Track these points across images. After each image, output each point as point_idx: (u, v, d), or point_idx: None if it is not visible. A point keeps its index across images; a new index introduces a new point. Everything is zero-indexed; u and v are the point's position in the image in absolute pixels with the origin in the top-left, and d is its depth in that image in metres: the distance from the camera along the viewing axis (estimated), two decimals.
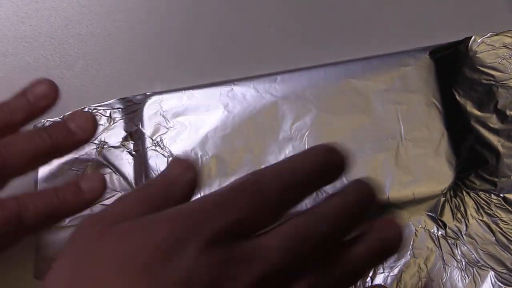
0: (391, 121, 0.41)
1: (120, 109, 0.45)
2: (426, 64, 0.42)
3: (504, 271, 0.37)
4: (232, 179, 0.41)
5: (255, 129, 0.42)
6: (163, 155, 0.43)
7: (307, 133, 0.41)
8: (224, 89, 0.43)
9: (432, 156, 0.40)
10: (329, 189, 0.40)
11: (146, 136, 0.43)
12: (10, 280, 0.43)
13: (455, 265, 0.38)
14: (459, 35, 0.42)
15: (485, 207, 0.39)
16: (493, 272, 0.38)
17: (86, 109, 0.46)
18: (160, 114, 0.44)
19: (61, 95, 0.47)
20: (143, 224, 0.25)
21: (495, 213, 0.38)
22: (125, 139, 0.45)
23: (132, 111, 0.45)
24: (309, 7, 0.47)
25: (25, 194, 0.35)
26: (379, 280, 0.38)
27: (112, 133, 0.45)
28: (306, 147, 0.41)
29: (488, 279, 0.37)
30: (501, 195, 0.39)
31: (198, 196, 0.41)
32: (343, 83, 0.42)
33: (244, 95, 0.43)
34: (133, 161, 0.44)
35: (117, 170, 0.44)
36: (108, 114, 0.45)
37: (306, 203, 0.39)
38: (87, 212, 0.43)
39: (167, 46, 0.48)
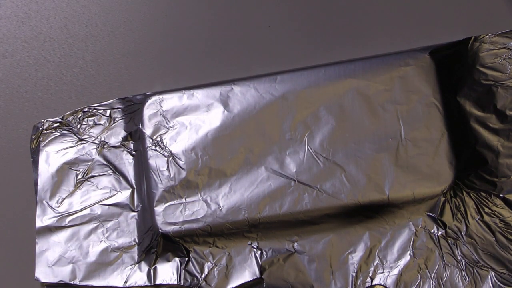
0: (391, 121, 0.41)
1: (120, 109, 0.45)
2: (426, 64, 0.42)
3: (504, 271, 0.37)
4: (232, 179, 0.41)
5: (255, 129, 0.42)
6: (163, 155, 0.43)
7: (307, 133, 0.41)
8: (224, 89, 0.44)
9: (432, 156, 0.40)
10: (329, 189, 0.40)
11: (146, 136, 0.43)
12: (10, 280, 0.43)
13: (455, 265, 0.38)
14: (459, 35, 0.42)
15: (485, 207, 0.39)
16: (493, 272, 0.38)
17: (86, 109, 0.46)
18: (160, 114, 0.44)
19: (61, 95, 0.48)
20: None
21: (495, 213, 0.38)
22: (125, 139, 0.45)
23: (132, 111, 0.45)
24: (309, 7, 0.47)
25: None
26: (379, 280, 0.38)
27: (112, 133, 0.45)
28: (306, 147, 0.41)
29: (488, 279, 0.37)
30: (501, 195, 0.39)
31: (199, 196, 0.41)
32: (343, 83, 0.42)
33: (244, 95, 0.43)
34: (133, 161, 0.44)
35: (117, 170, 0.44)
36: (108, 114, 0.45)
37: (306, 202, 0.40)
38: (87, 212, 0.43)
39: (167, 46, 0.48)
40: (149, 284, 0.40)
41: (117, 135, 0.45)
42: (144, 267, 0.41)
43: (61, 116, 0.46)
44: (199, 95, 0.44)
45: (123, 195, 0.43)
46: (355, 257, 0.39)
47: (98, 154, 0.44)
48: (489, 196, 0.39)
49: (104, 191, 0.43)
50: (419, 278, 0.38)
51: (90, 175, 0.44)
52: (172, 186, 0.42)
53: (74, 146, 0.45)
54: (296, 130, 0.42)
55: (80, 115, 0.46)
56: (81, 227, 0.43)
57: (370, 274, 0.39)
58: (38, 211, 0.43)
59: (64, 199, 0.43)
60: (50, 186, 0.44)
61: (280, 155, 0.41)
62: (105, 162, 0.44)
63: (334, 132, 0.41)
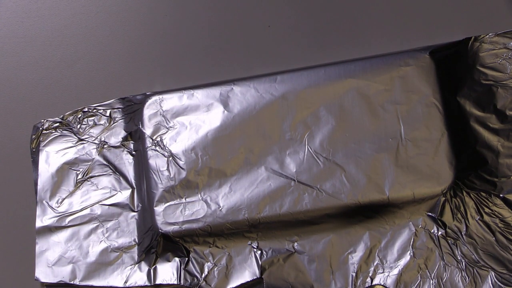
0: (391, 121, 0.41)
1: (120, 109, 0.45)
2: (426, 64, 0.42)
3: (504, 271, 0.37)
4: (232, 179, 0.41)
5: (255, 129, 0.42)
6: (163, 155, 0.43)
7: (307, 133, 0.41)
8: (224, 89, 0.44)
9: (432, 156, 0.40)
10: (329, 189, 0.40)
11: (146, 136, 0.43)
12: (10, 280, 0.43)
13: (455, 265, 0.38)
14: (459, 35, 0.42)
15: (485, 207, 0.39)
16: (493, 272, 0.38)
17: (86, 109, 0.46)
18: (160, 114, 0.44)
19: (61, 95, 0.48)
20: None
21: (495, 213, 0.38)
22: (125, 139, 0.45)
23: (132, 111, 0.45)
24: (309, 7, 0.47)
25: None
26: (379, 280, 0.38)
27: (112, 133, 0.45)
28: (306, 147, 0.41)
29: (488, 279, 0.37)
30: (501, 195, 0.39)
31: (199, 196, 0.41)
32: (343, 83, 0.42)
33: (244, 95, 0.43)
34: (133, 161, 0.44)
35: (117, 170, 0.44)
36: (108, 114, 0.45)
37: (306, 202, 0.40)
38: (87, 212, 0.43)
39: (167, 46, 0.48)
40: (149, 284, 0.40)
41: (117, 135, 0.45)
42: (144, 267, 0.41)
43: (61, 116, 0.46)
44: (199, 95, 0.44)
45: (123, 195, 0.43)
46: (355, 257, 0.39)
47: (98, 154, 0.44)
48: (489, 196, 0.39)
49: (104, 191, 0.43)
50: (419, 278, 0.38)
51: (90, 175, 0.44)
52: (172, 186, 0.42)
53: (74, 146, 0.45)
54: (296, 130, 0.42)
55: (80, 115, 0.46)
56: (81, 227, 0.43)
57: (370, 274, 0.39)
58: (38, 211, 0.43)
59: (64, 199, 0.43)
60: (50, 186, 0.44)
61: (280, 155, 0.41)
62: (105, 162, 0.44)
63: (334, 132, 0.41)
